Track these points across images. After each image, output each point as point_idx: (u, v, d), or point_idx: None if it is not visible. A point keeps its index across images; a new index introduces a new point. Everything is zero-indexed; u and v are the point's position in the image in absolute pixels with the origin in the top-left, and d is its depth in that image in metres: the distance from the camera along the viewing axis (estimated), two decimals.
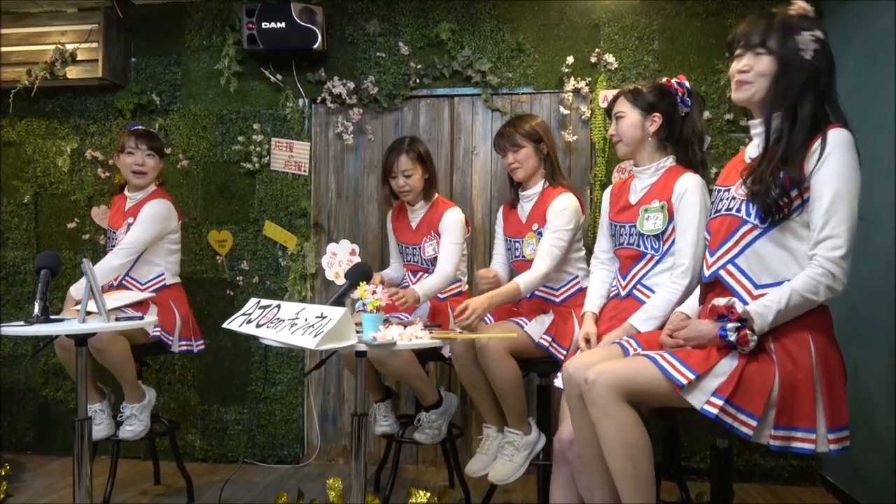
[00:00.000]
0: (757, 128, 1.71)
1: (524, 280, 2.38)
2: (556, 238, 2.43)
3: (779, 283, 1.59)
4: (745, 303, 1.60)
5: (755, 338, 1.55)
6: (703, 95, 3.15)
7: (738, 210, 1.66)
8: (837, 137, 1.56)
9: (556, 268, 2.45)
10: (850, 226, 1.54)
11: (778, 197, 1.57)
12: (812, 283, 1.54)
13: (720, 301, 1.62)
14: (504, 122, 2.75)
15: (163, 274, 2.89)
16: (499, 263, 2.74)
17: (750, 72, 1.67)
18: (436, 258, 2.76)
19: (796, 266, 1.59)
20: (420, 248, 2.83)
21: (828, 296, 1.56)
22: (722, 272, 1.68)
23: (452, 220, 2.75)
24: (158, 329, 2.77)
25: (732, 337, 1.55)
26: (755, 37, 1.67)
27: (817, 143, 1.57)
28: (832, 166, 1.54)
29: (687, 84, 2.24)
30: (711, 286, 1.74)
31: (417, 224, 2.87)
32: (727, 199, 1.73)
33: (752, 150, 1.75)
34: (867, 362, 2.64)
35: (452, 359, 2.47)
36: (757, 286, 1.63)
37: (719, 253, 1.70)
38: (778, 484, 3.12)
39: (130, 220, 2.85)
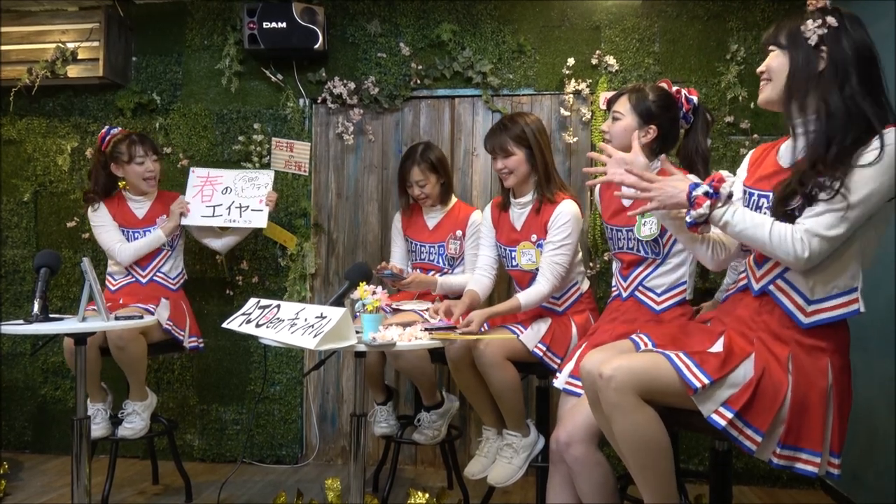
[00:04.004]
0: (798, 128, 1.58)
1: (526, 297, 2.33)
2: (558, 254, 2.34)
3: (833, 296, 1.51)
4: (799, 322, 1.53)
5: (705, 212, 1.54)
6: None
7: None
8: (892, 139, 1.43)
9: (560, 283, 2.39)
10: (853, 224, 1.45)
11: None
12: (787, 239, 1.47)
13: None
14: (496, 121, 2.55)
15: (183, 270, 3.09)
16: (483, 274, 2.57)
17: (766, 71, 1.62)
18: (455, 257, 2.86)
19: (847, 273, 1.51)
20: (443, 245, 2.87)
21: (782, 259, 1.50)
22: (772, 287, 1.59)
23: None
24: (170, 323, 2.83)
25: (698, 192, 1.55)
26: (771, 36, 1.62)
27: (874, 143, 1.44)
28: (880, 168, 1.42)
29: (695, 100, 2.14)
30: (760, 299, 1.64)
31: (437, 224, 2.90)
32: (765, 208, 1.60)
33: (786, 156, 1.63)
34: (867, 367, 2.64)
35: (448, 362, 2.45)
36: (810, 302, 1.53)
37: (768, 265, 1.60)
38: (776, 486, 3.12)
39: (164, 216, 3.00)
